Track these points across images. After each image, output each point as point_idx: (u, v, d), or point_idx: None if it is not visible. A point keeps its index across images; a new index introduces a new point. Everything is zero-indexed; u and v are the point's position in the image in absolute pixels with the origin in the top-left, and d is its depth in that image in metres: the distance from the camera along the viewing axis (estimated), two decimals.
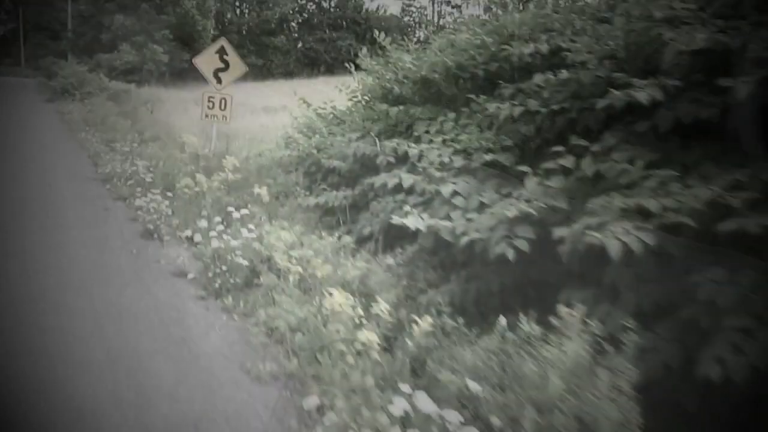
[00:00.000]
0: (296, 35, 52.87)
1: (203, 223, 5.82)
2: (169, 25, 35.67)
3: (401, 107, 5.93)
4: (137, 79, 31.78)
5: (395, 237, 5.14)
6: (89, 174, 9.38)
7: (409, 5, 58.91)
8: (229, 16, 46.50)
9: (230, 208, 6.06)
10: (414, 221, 4.30)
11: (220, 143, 9.38)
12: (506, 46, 5.21)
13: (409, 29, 59.12)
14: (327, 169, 7.60)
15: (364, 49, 8.10)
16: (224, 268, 4.81)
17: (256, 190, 6.86)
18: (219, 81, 8.71)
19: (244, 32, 47.60)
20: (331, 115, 8.67)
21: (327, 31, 52.09)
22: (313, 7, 54.08)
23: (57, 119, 19.33)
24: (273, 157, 10.07)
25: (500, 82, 5.10)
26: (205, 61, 8.68)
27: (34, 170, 9.65)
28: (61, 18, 47.41)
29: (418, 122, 5.60)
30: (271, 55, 47.59)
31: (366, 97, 7.99)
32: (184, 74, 41.77)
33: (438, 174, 4.58)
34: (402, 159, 5.34)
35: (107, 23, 36.87)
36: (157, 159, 8.79)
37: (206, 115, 8.74)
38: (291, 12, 49.09)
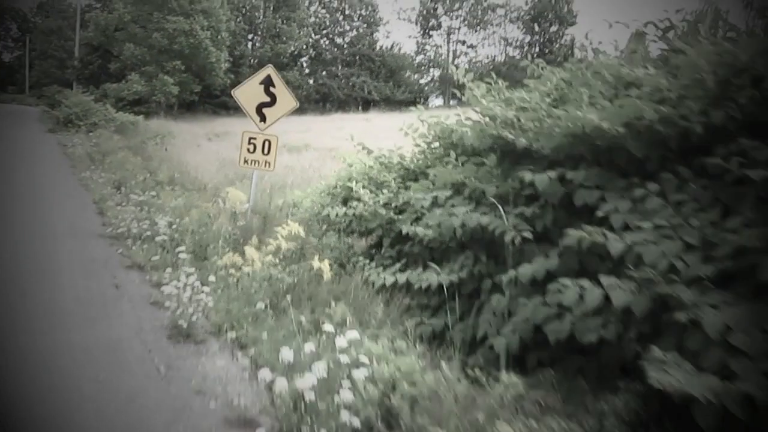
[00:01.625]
0: (308, 70, 51.82)
1: (264, 334, 4.00)
2: (181, 56, 34.35)
3: (550, 172, 4.13)
4: (145, 111, 30.27)
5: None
6: (94, 227, 7.55)
7: (424, 44, 58.18)
8: (240, 48, 45.34)
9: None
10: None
11: (260, 195, 7.58)
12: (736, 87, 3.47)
13: (423, 68, 58.33)
14: (399, 235, 5.86)
15: (477, 84, 6.39)
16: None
17: (315, 263, 5.07)
18: (263, 118, 6.97)
19: (256, 65, 46.44)
20: (399, 165, 6.92)
21: (340, 66, 51.04)
22: (327, 42, 53.15)
23: (58, 152, 17.59)
24: (317, 211, 8.36)
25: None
26: (247, 94, 6.94)
27: (26, 219, 7.85)
28: (67, 46, 46.33)
29: (596, 193, 3.80)
30: None
31: (442, 145, 6.27)
32: (194, 107, 40.61)
33: (686, 293, 2.77)
34: (574, 251, 3.53)
35: (116, 52, 35.53)
36: (181, 213, 6.97)
37: (245, 161, 6.96)
38: (305, 47, 48.01)
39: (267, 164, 7.01)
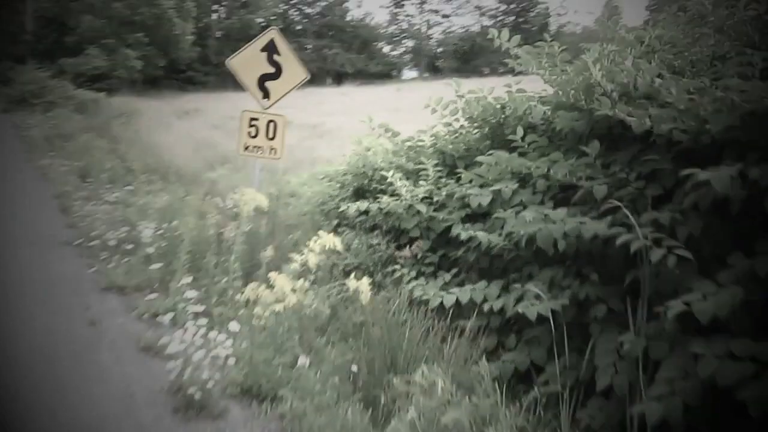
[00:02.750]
0: None
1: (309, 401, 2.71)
2: (144, 28, 32.00)
3: (726, 168, 2.86)
4: (107, 87, 28.13)
5: None
6: (57, 232, 6.05)
7: (397, 14, 56.30)
8: (206, 19, 42.90)
9: None
10: None
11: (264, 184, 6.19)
12: None
13: (396, 39, 56.61)
14: (442, 236, 4.63)
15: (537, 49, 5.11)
16: None
17: (352, 283, 3.78)
18: (266, 94, 5.56)
19: (221, 37, 44.06)
20: (433, 149, 5.64)
21: (311, 38, 48.89)
22: (296, 12, 50.88)
23: (12, 135, 15.76)
24: (322, 203, 7.07)
25: None
26: (246, 64, 5.51)
27: None
28: (18, 20, 43.20)
29: None
30: None
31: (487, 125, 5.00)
32: (159, 83, 38.29)
33: None
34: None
35: (73, 24, 33.00)
36: (168, 214, 5.52)
37: (246, 147, 5.55)
38: (274, 17, 45.71)
39: (273, 151, 5.63)
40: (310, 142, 15.34)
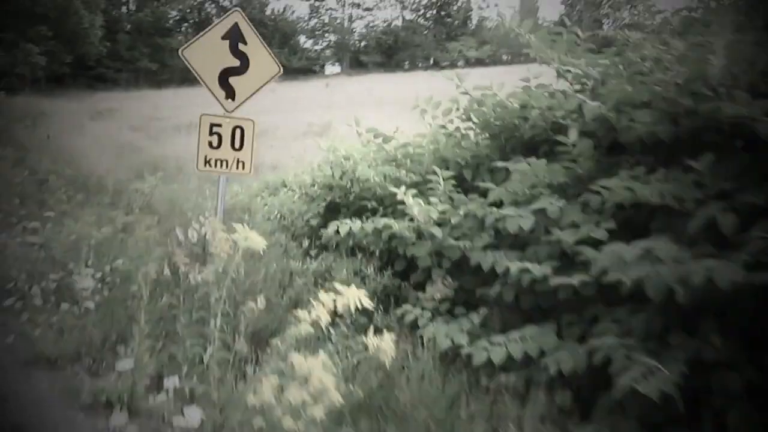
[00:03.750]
0: (193, 37, 46.99)
1: None
2: (47, 20, 29.18)
3: None
4: (7, 87, 25.42)
5: None
6: None
7: (318, 7, 54.87)
8: (115, 12, 39.99)
9: None
10: None
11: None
12: None
13: (318, 33, 55.24)
14: (458, 266, 3.78)
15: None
16: None
17: (372, 340, 2.75)
18: (230, 93, 4.40)
19: (133, 31, 41.22)
20: (435, 157, 4.71)
21: None
22: (213, 5, 48.47)
23: None
24: (290, 221, 6.13)
25: None
26: (204, 54, 4.33)
27: None
28: None
29: None
30: (167, 58, 41.50)
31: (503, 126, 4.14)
32: (65, 80, 35.27)
33: None
34: None
35: None
36: (109, 253, 4.17)
37: (206, 161, 4.37)
38: (189, 10, 43.29)
39: (240, 164, 4.50)
40: (257, 142, 14.00)
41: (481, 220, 3.78)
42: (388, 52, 52.53)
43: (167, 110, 22.10)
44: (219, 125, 4.38)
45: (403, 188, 4.02)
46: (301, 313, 2.73)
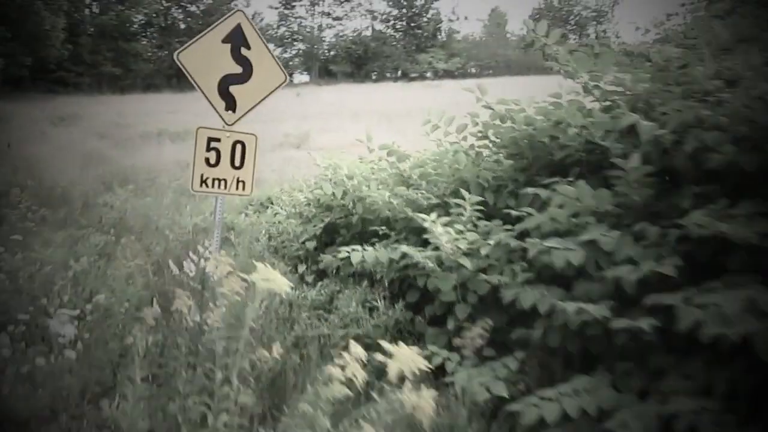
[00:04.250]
0: (159, 42, 45.83)
1: None
2: (6, 21, 27.88)
3: None
4: None
5: None
6: None
7: (287, 15, 54.29)
8: (78, 14, 38.67)
9: None
10: None
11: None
12: None
13: (286, 41, 54.70)
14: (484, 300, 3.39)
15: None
16: None
17: (409, 397, 2.26)
18: (230, 104, 3.88)
19: (95, 34, 39.85)
20: (454, 177, 4.28)
21: None
22: (180, 10, 47.40)
23: None
24: (281, 245, 5.72)
25: None
26: (202, 59, 3.80)
27: None
28: None
29: None
30: (131, 63, 40.33)
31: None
32: (24, 84, 33.78)
33: None
34: None
35: None
36: (87, 285, 3.57)
37: (203, 181, 3.83)
38: (155, 15, 42.20)
39: (241, 184, 3.97)
40: None
41: (512, 250, 3.38)
42: (358, 62, 52.30)
43: (133, 117, 21.25)
44: (217, 140, 3.85)
45: (434, 215, 3.57)
46: (332, 369, 2.25)
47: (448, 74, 48.86)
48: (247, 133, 3.95)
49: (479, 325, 3.30)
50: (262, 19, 52.48)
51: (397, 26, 56.46)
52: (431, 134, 4.52)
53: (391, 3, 56.26)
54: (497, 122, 4.16)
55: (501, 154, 4.18)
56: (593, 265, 3.02)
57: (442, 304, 3.66)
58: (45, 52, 31.55)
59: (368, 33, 55.57)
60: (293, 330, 3.82)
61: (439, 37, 56.32)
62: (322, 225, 5.26)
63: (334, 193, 4.98)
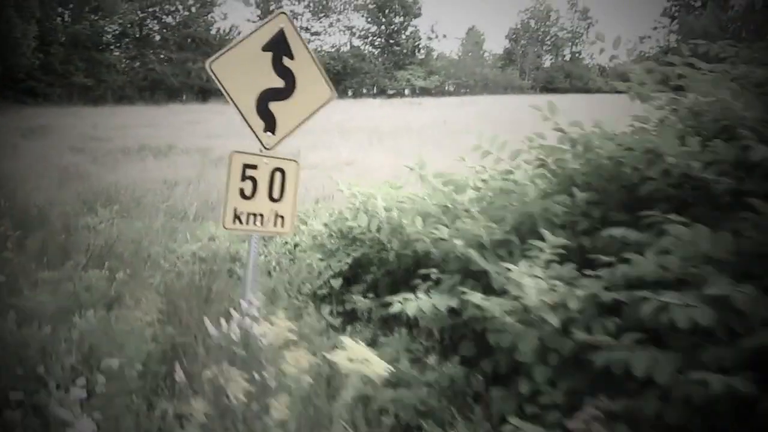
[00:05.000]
0: (133, 53, 44.66)
1: None
2: None
3: None
4: None
5: None
6: None
7: None
8: (47, 24, 37.39)
9: None
10: None
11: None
12: None
13: None
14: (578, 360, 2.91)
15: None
16: None
17: None
18: (270, 125, 3.23)
19: (67, 43, 38.59)
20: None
21: (173, 50, 44.64)
22: (155, 22, 46.38)
23: None
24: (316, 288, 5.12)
25: None
26: (239, 70, 3.16)
27: None
28: None
29: None
30: (104, 74, 39.14)
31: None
32: None
33: None
34: None
35: None
36: (96, 342, 2.82)
37: (236, 216, 3.16)
38: (129, 25, 41.13)
39: (279, 220, 3.30)
40: (206, 171, 12.63)
41: (601, 303, 2.84)
42: (336, 78, 51.87)
43: (109, 130, 20.29)
44: (254, 167, 3.20)
45: (523, 264, 2.96)
46: None
47: (425, 92, 48.78)
48: (289, 159, 3.30)
49: (592, 405, 2.70)
50: (239, 33, 51.67)
51: (376, 43, 56.27)
52: (482, 160, 3.96)
53: (369, 20, 56.11)
54: (565, 146, 3.61)
55: (574, 187, 3.61)
56: (722, 326, 2.48)
57: (507, 360, 3.09)
58: (14, 61, 30.31)
59: (346, 49, 55.29)
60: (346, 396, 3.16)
61: (418, 54, 56.26)
62: (349, 260, 4.65)
63: (369, 226, 4.38)
